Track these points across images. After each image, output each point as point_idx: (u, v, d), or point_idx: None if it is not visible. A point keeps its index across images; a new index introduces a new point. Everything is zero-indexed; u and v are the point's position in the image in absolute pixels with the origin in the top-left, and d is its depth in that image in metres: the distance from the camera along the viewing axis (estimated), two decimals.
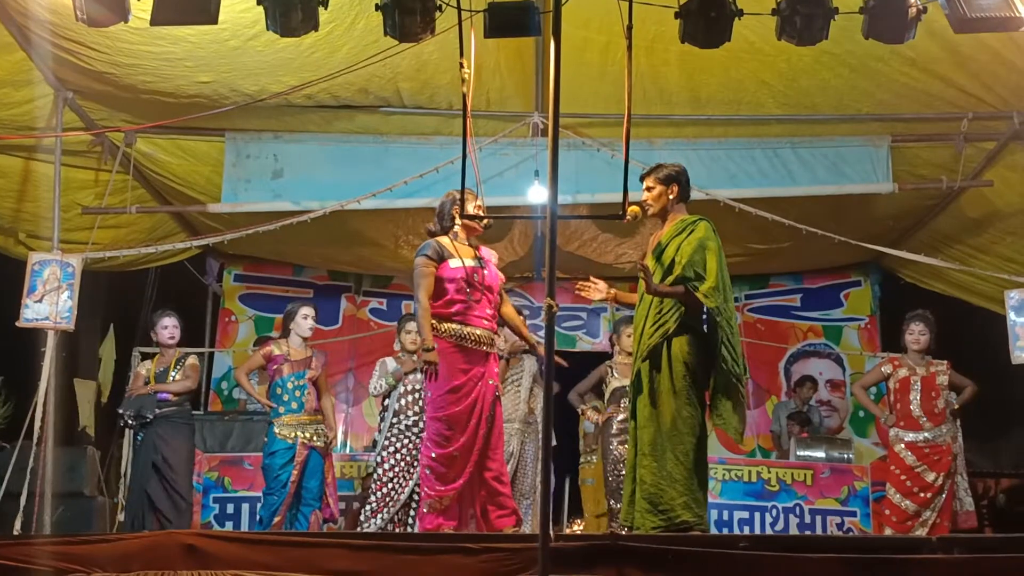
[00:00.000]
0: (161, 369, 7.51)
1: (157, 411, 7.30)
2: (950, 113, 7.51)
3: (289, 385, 7.15)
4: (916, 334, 7.45)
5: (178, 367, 7.48)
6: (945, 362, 7.44)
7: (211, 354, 10.52)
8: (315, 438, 7.11)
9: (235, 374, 7.51)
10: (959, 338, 8.34)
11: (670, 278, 5.43)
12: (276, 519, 6.96)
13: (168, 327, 7.63)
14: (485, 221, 5.93)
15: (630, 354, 7.00)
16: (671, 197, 5.62)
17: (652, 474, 5.33)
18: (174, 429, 7.37)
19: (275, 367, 7.20)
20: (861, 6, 5.68)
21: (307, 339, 7.35)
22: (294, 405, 7.13)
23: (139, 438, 7.35)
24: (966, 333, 8.85)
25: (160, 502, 7.19)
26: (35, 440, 7.02)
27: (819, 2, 5.60)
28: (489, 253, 6.09)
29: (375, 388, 7.36)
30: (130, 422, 7.31)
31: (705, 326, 5.53)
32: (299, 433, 7.05)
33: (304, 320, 7.32)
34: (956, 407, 7.48)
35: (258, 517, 7.31)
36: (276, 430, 7.09)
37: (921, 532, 7.09)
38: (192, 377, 7.52)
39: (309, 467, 7.10)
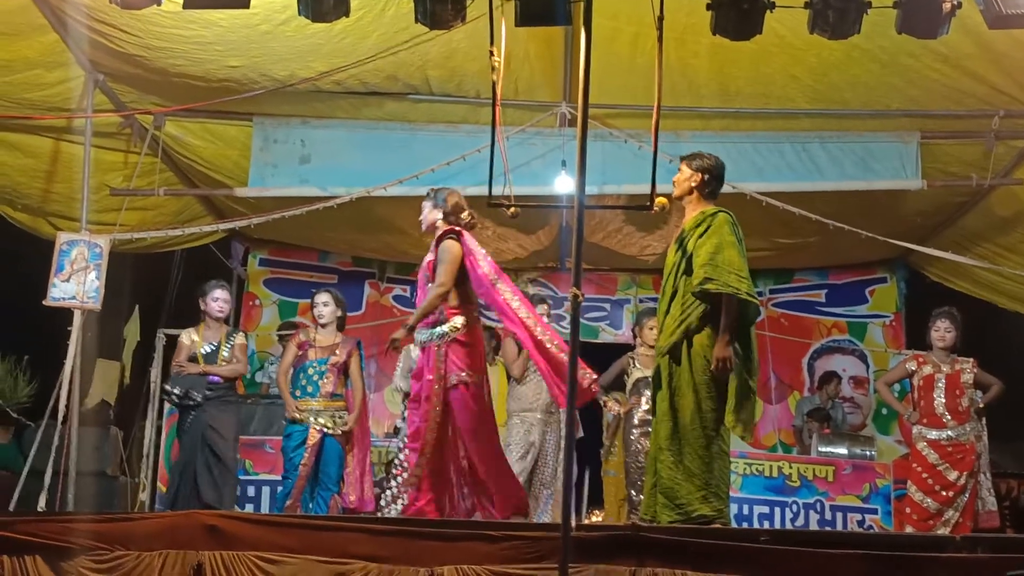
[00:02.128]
0: (210, 348, 7.25)
1: (207, 392, 7.11)
2: (981, 110, 7.45)
3: (310, 371, 7.14)
4: (942, 331, 7.36)
5: (228, 345, 7.30)
6: (971, 360, 7.33)
7: None
8: (329, 424, 7.09)
9: (277, 376, 7.43)
10: (984, 338, 8.27)
11: (696, 269, 5.37)
12: (289, 502, 6.95)
13: (219, 299, 7.37)
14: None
15: (652, 346, 7.01)
16: (693, 184, 5.57)
17: (668, 468, 5.31)
18: (223, 409, 7.20)
19: (301, 352, 7.21)
20: (895, 0, 5.64)
21: (326, 325, 7.27)
22: (309, 389, 7.10)
23: (189, 418, 7.15)
24: (991, 333, 8.78)
25: (204, 484, 7.04)
26: (60, 419, 7.07)
27: None
28: (443, 246, 5.95)
29: (398, 386, 7.37)
30: (176, 400, 7.20)
31: None
32: (312, 418, 7.04)
33: (316, 307, 7.30)
34: (981, 405, 7.40)
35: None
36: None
37: (943, 531, 7.02)
38: (243, 360, 7.32)
39: (325, 453, 7.06)
